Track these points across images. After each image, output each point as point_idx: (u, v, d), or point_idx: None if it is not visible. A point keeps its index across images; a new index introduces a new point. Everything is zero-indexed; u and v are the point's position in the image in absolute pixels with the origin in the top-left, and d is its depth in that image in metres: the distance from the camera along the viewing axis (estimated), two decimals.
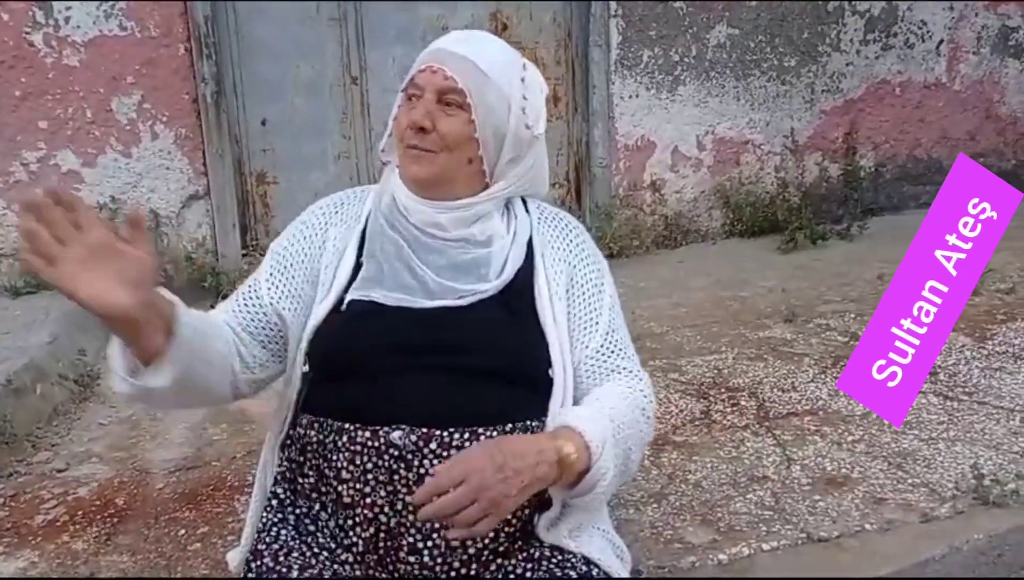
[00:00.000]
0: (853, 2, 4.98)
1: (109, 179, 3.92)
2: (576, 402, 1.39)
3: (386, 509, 1.28)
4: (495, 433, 1.30)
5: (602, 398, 1.36)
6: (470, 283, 1.38)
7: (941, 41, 5.24)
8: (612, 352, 1.42)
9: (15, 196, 3.79)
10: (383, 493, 1.28)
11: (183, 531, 2.10)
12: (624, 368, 1.42)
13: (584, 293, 1.44)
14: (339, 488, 1.32)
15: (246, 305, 1.43)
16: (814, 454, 2.31)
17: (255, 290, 1.44)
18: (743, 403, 2.66)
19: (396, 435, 1.27)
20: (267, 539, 1.36)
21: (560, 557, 1.30)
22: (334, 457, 1.32)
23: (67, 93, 3.81)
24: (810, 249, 4.56)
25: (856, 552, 1.88)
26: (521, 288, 1.41)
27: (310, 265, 1.45)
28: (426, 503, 1.14)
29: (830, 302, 3.61)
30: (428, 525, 1.27)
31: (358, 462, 1.29)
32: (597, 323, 1.42)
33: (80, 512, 2.20)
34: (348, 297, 1.39)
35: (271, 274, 1.45)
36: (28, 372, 2.75)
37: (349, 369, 1.35)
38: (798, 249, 4.55)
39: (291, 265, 1.45)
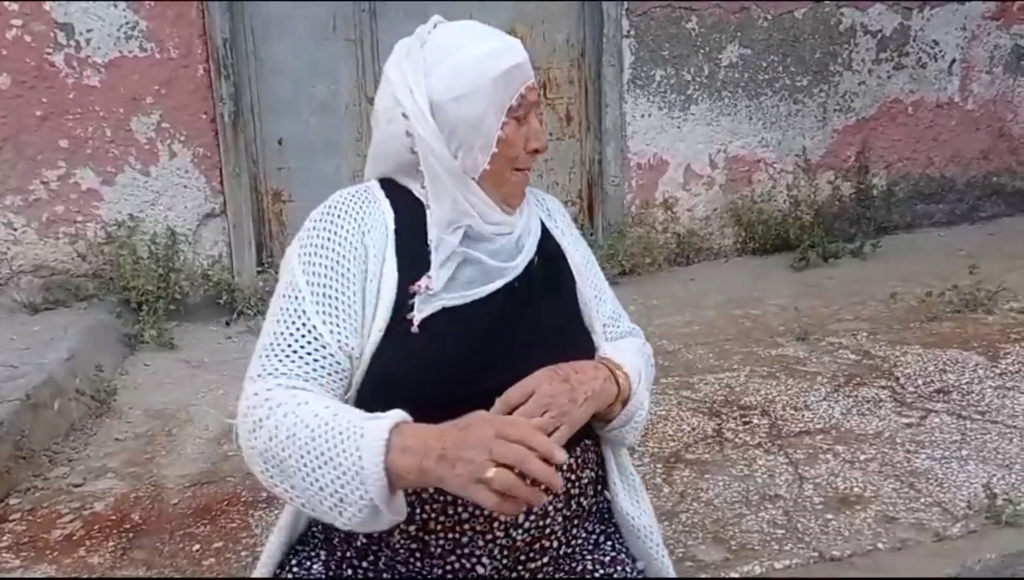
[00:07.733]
0: (865, 15, 4.99)
1: (128, 197, 3.98)
2: None
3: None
4: (578, 449, 1.29)
5: (621, 345, 1.41)
6: (511, 260, 1.32)
7: (954, 60, 5.25)
8: (620, 317, 1.49)
9: (35, 213, 3.86)
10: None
11: (198, 546, 2.12)
12: (629, 330, 1.50)
13: (585, 264, 1.46)
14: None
15: (315, 360, 1.20)
16: (827, 473, 2.31)
17: (315, 337, 1.20)
18: (755, 421, 2.66)
19: None
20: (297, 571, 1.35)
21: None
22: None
23: (87, 113, 3.88)
24: (823, 267, 4.56)
25: (868, 571, 1.88)
26: (551, 255, 1.40)
27: (360, 284, 1.24)
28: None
29: (843, 321, 3.60)
30: (479, 540, 1.20)
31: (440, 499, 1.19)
32: (604, 291, 1.47)
33: (97, 527, 2.23)
34: (414, 317, 1.23)
35: (322, 311, 1.21)
36: (46, 388, 2.79)
37: (417, 397, 1.17)
38: (810, 267, 4.56)
39: (342, 292, 1.23)
